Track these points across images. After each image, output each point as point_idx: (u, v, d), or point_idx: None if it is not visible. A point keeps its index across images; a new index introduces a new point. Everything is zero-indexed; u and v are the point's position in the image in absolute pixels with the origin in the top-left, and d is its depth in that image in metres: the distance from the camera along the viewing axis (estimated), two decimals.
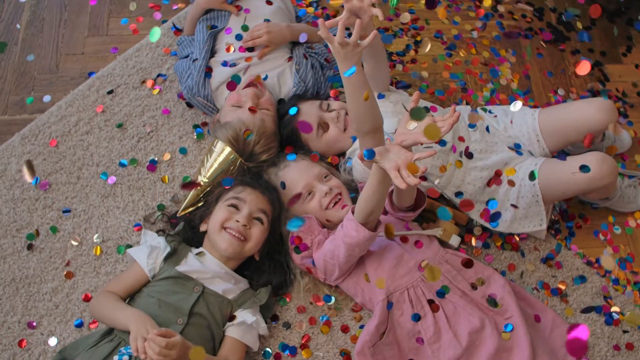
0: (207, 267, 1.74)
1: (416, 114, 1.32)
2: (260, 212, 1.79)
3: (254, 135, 1.87)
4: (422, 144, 1.51)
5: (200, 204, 1.88)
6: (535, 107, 2.26)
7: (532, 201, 1.89)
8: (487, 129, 1.99)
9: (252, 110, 1.92)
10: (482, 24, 2.48)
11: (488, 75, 2.36)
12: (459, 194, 1.93)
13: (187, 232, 1.84)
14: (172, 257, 1.73)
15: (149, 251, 1.73)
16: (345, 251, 1.67)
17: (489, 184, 1.92)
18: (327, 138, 1.99)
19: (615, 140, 2.19)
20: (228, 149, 1.87)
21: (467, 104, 2.26)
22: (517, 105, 1.57)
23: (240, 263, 1.81)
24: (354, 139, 1.99)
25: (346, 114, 2.00)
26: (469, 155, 1.92)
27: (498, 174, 1.90)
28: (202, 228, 1.82)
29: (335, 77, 2.24)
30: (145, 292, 1.70)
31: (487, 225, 1.95)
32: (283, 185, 1.86)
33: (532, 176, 1.65)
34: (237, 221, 1.75)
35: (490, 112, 2.07)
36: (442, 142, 1.87)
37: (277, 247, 1.85)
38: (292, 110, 1.81)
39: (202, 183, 1.88)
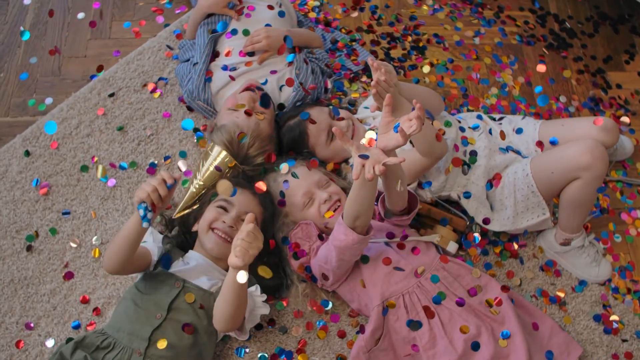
0: (193, 264, 1.75)
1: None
2: None
3: (248, 138, 1.87)
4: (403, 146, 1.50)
5: (195, 207, 1.89)
6: (537, 114, 2.27)
7: (529, 192, 1.88)
8: (490, 131, 2.01)
9: (247, 113, 1.93)
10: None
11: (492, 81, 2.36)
12: (466, 193, 1.93)
13: (180, 237, 1.86)
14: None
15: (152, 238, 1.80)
16: (336, 255, 1.67)
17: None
18: (335, 146, 1.99)
19: (618, 148, 2.18)
20: (224, 152, 1.87)
21: (469, 110, 2.26)
22: None
23: None
24: None
25: (353, 123, 2.01)
26: (473, 153, 1.93)
27: (497, 177, 1.91)
28: (194, 228, 1.84)
29: (336, 82, 2.25)
30: (133, 286, 1.73)
31: (484, 226, 1.95)
32: (282, 193, 1.85)
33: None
34: (224, 222, 1.76)
35: (495, 119, 2.09)
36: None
37: (271, 250, 1.85)
38: (304, 115, 1.80)
39: (193, 189, 1.89)
